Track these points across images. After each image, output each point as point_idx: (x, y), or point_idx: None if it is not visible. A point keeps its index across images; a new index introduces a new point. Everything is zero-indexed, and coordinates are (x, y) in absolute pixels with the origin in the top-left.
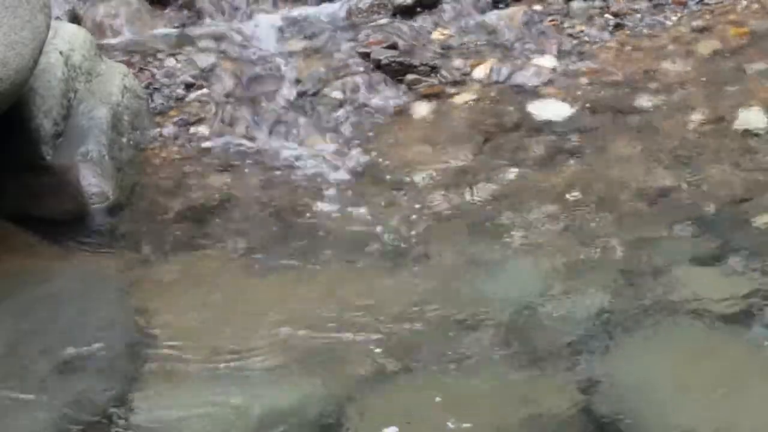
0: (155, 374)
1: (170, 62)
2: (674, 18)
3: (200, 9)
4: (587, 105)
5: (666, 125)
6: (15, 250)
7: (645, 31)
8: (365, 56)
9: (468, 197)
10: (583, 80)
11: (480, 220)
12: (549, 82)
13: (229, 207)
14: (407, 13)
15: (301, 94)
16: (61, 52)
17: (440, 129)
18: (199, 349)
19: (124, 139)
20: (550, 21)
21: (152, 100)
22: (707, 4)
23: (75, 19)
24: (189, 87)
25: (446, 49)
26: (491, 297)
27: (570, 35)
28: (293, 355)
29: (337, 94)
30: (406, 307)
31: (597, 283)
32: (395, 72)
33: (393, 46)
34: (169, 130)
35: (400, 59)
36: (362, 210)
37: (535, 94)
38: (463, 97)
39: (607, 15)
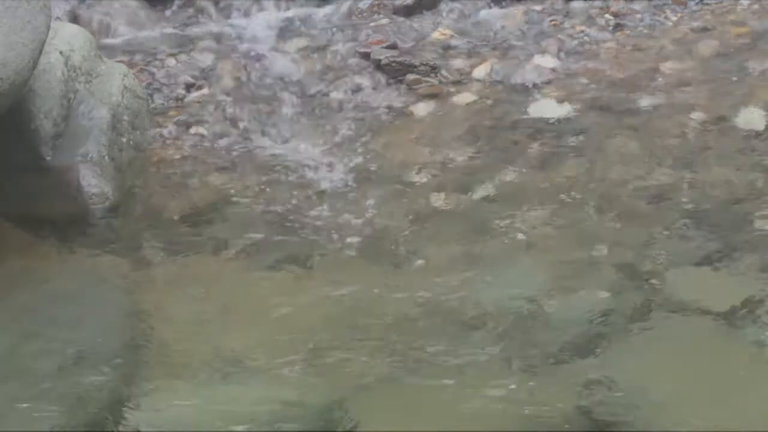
0: (155, 373)
1: (170, 62)
2: (674, 18)
3: (200, 9)
4: (587, 105)
5: (666, 125)
6: (15, 250)
7: (645, 31)
8: (365, 56)
9: (468, 197)
10: (583, 80)
11: (480, 219)
12: (549, 82)
13: (228, 207)
14: (407, 13)
15: (301, 94)
16: (61, 53)
17: (440, 129)
18: (198, 349)
19: (124, 140)
20: (551, 21)
21: (152, 101)
22: (707, 4)
23: (75, 19)
24: (189, 87)
25: (446, 49)
26: (491, 297)
27: (570, 35)
28: (293, 354)
29: (337, 94)
30: (406, 307)
31: (597, 283)
32: (395, 72)
33: (393, 46)
34: (169, 130)
35: (400, 59)
36: (361, 209)
37: (535, 93)
38: (463, 97)
39: (607, 15)
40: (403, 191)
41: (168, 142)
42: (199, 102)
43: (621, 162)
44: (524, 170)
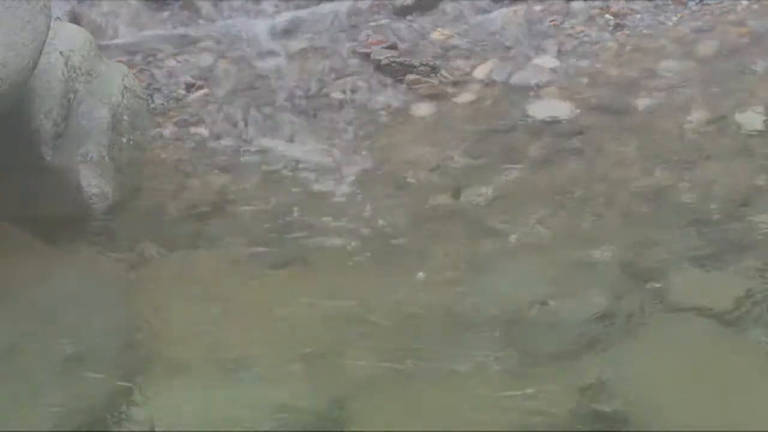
0: (155, 373)
1: (170, 62)
2: (674, 18)
3: (200, 9)
4: (587, 105)
5: (666, 125)
6: (15, 250)
7: (645, 31)
8: (365, 56)
9: (468, 197)
10: (583, 80)
11: (480, 220)
12: (549, 82)
13: (228, 207)
14: (407, 13)
15: (301, 95)
16: (61, 53)
17: (440, 129)
18: (199, 348)
19: (124, 140)
20: (551, 21)
21: (152, 101)
22: (707, 4)
23: (75, 19)
24: (189, 87)
25: (446, 50)
26: (491, 297)
27: (570, 35)
28: (293, 354)
29: (337, 95)
30: (406, 307)
31: (597, 283)
32: (395, 72)
33: (393, 47)
34: (169, 130)
35: (400, 59)
36: (361, 210)
37: (535, 94)
38: (464, 98)
39: (607, 15)
40: (403, 191)
41: (168, 142)
42: (199, 102)
43: (621, 162)
44: (524, 170)
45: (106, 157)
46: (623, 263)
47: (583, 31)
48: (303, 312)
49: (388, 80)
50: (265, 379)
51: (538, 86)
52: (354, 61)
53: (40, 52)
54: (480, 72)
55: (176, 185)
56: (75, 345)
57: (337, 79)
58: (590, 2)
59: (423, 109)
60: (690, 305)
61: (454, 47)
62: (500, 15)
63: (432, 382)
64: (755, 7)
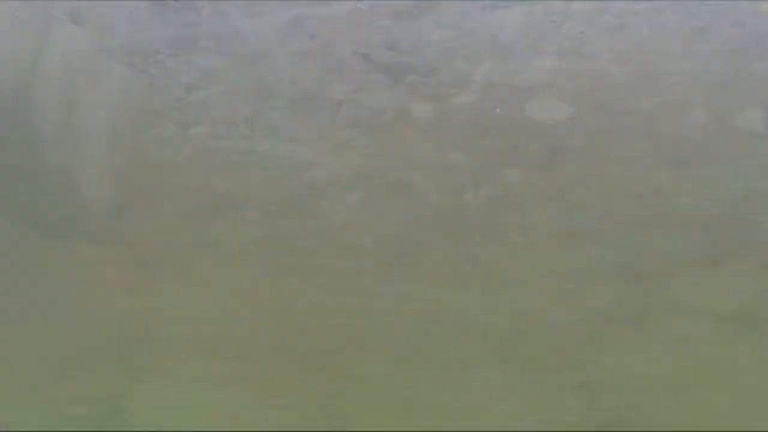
0: (156, 374)
1: (170, 62)
2: (674, 18)
3: (200, 9)
4: (587, 105)
5: (666, 125)
6: (15, 251)
7: (645, 31)
8: (365, 56)
9: (467, 198)
10: (583, 81)
11: (479, 221)
12: (549, 83)
13: (228, 208)
14: (407, 13)
15: (300, 95)
16: (61, 53)
17: (440, 129)
18: (199, 350)
19: (124, 140)
20: (551, 21)
21: (152, 101)
22: (707, 4)
23: (75, 19)
24: (189, 87)
25: (446, 50)
26: (490, 298)
27: (570, 35)
28: (293, 354)
29: (337, 95)
30: (405, 308)
31: (597, 284)
32: (395, 72)
33: (393, 47)
34: (169, 130)
35: (400, 59)
36: (361, 211)
37: (535, 94)
38: (463, 98)
39: (607, 16)
40: (403, 192)
41: (168, 142)
42: (199, 102)
43: (621, 162)
44: (524, 171)
45: (106, 158)
46: (623, 263)
47: (583, 32)
48: (302, 312)
49: (388, 80)
50: (265, 380)
51: (538, 87)
52: (354, 61)
53: (40, 53)
54: (480, 72)
55: (176, 185)
56: (74, 345)
57: (337, 79)
58: (590, 2)
59: (422, 110)
60: (690, 305)
61: (455, 47)
62: (501, 15)
63: (431, 382)
64: (755, 7)
